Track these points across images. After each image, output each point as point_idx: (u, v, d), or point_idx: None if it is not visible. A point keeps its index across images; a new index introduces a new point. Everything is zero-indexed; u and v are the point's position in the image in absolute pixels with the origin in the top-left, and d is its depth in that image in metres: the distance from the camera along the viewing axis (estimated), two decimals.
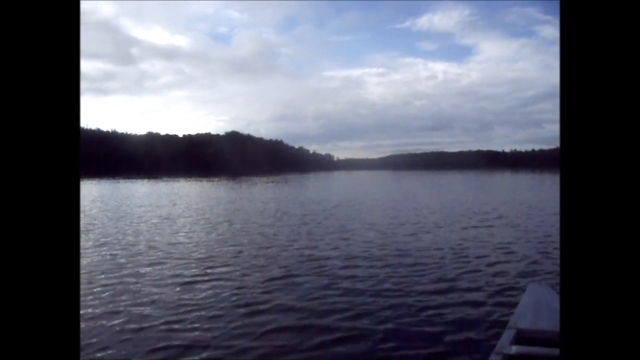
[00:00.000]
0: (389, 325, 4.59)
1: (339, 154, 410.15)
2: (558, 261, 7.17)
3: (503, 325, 3.93)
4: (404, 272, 6.87)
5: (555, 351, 2.90)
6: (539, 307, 3.71)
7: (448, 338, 4.27)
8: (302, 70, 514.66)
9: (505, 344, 3.09)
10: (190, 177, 71.78)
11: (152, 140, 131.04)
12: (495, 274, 6.78)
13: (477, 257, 8.00)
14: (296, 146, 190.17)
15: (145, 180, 59.49)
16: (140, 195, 29.71)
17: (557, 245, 8.56)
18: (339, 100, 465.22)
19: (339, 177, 77.80)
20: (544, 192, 28.88)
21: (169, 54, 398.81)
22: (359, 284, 6.24)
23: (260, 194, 30.21)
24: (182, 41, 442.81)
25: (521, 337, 3.26)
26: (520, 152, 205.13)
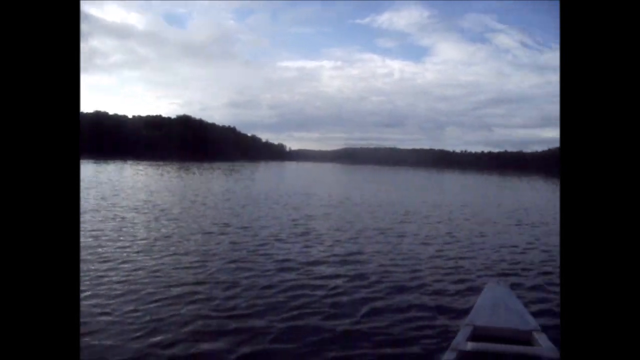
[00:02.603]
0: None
1: (293, 144, 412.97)
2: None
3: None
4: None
5: (510, 348, 3.02)
6: (496, 306, 3.83)
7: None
8: (259, 58, 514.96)
9: (461, 340, 3.16)
10: (137, 160, 68.01)
11: (100, 120, 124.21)
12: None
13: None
14: (249, 134, 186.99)
15: (85, 162, 55.06)
16: None
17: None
18: (296, 91, 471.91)
19: (286, 168, 76.45)
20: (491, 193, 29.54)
21: (121, 33, 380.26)
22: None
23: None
24: (135, 20, 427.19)
25: (477, 334, 3.35)
26: (470, 153, 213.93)
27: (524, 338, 3.26)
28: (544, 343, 3.06)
